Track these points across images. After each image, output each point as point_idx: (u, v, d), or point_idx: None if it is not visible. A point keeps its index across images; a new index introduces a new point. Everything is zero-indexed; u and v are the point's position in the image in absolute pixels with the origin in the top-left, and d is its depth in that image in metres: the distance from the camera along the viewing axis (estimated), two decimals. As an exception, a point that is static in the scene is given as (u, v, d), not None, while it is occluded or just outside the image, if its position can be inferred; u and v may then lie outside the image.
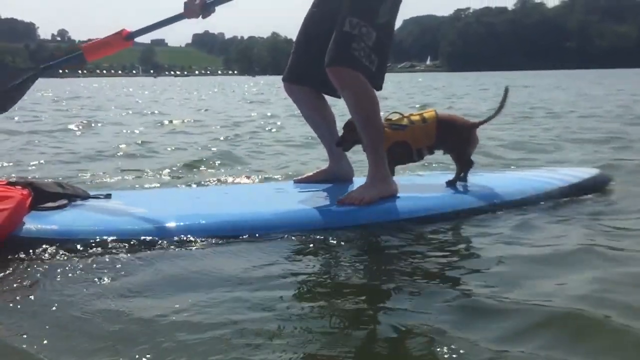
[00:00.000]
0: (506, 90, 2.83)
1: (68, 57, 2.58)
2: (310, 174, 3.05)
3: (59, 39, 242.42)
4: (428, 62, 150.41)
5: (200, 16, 2.61)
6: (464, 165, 2.77)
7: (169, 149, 5.55)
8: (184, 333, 1.51)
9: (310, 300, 1.77)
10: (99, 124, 8.51)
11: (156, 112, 11.68)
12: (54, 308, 1.69)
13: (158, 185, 3.58)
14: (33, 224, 2.17)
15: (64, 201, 2.41)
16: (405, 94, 18.19)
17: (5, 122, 8.36)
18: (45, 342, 1.48)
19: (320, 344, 1.47)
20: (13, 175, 2.97)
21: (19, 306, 1.71)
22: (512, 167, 3.92)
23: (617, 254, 2.09)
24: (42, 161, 4.63)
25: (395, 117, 2.79)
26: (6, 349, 1.45)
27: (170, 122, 8.73)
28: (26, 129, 7.58)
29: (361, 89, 2.52)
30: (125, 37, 2.55)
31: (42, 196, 2.35)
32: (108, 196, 2.63)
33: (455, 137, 2.72)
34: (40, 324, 1.59)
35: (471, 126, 2.74)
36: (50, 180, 2.66)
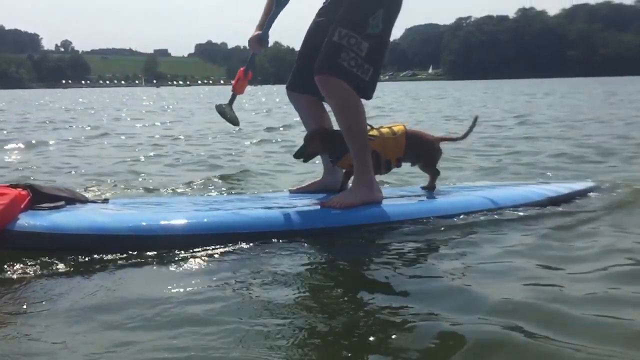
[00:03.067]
0: (475, 119, 3.05)
1: (232, 98, 3.09)
2: (305, 184, 3.11)
3: (62, 49, 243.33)
4: (430, 71, 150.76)
5: (263, 48, 2.94)
6: (435, 172, 2.94)
7: (180, 159, 5.63)
8: (170, 332, 1.55)
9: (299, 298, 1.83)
10: (111, 135, 8.61)
11: (166, 122, 11.68)
12: (36, 301, 1.79)
13: (164, 194, 3.68)
14: (26, 220, 2.27)
15: (61, 202, 2.51)
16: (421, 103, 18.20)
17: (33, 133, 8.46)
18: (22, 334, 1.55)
19: (310, 344, 1.50)
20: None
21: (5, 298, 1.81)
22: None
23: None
24: (62, 171, 4.78)
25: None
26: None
27: (180, 135, 8.66)
28: (53, 138, 7.77)
29: (346, 98, 2.57)
30: (244, 75, 3.01)
31: (40, 197, 2.46)
32: (105, 201, 2.77)
33: (423, 150, 2.86)
34: (20, 316, 1.68)
35: (436, 140, 2.90)
36: (50, 184, 2.77)
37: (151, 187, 3.88)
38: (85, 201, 2.67)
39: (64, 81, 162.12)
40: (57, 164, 5.29)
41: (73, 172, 4.73)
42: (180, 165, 5.18)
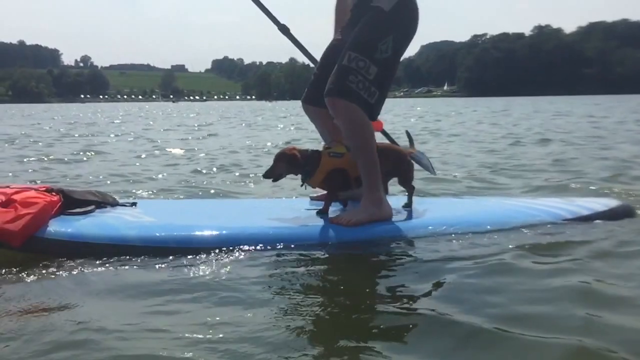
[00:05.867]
0: (408, 136, 3.02)
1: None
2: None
3: (81, 64, 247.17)
4: (445, 88, 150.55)
5: None
6: (412, 187, 2.91)
7: (215, 167, 5.81)
8: (175, 341, 1.59)
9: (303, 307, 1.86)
10: (162, 148, 8.62)
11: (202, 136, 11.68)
12: (59, 307, 1.87)
13: (192, 196, 3.85)
14: (54, 227, 2.40)
15: (91, 207, 2.64)
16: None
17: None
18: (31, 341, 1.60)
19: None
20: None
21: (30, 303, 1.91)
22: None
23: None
24: (112, 178, 4.96)
25: (334, 145, 2.85)
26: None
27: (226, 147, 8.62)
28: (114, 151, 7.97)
29: (354, 119, 2.64)
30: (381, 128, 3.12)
31: (71, 202, 2.59)
32: (134, 204, 2.86)
33: (397, 164, 2.84)
34: (37, 323, 1.73)
35: (407, 153, 2.89)
36: (83, 188, 2.90)
37: (182, 190, 4.06)
38: (115, 204, 2.80)
39: (82, 96, 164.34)
40: (108, 171, 5.53)
41: (111, 181, 4.91)
42: (226, 172, 5.38)
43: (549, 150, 7.28)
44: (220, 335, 1.61)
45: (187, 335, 1.63)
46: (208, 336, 1.62)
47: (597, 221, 2.80)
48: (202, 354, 1.51)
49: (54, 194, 2.54)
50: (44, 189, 2.57)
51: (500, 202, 3.19)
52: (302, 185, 2.83)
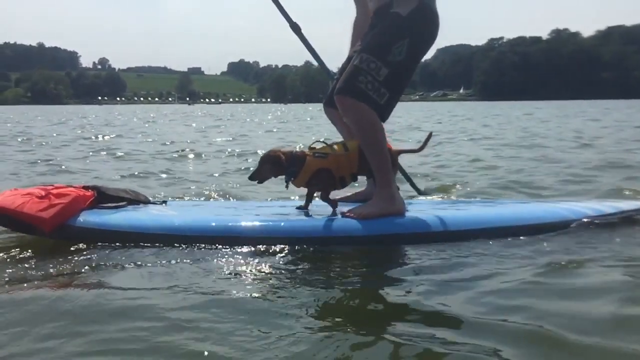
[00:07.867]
0: (429, 135, 3.00)
1: None
2: (349, 194, 3.22)
3: (99, 67, 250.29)
4: (461, 91, 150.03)
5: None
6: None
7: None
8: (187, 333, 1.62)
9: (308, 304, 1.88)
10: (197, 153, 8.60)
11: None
12: (83, 288, 2.00)
13: (220, 198, 3.92)
14: (84, 217, 2.57)
15: (123, 203, 2.77)
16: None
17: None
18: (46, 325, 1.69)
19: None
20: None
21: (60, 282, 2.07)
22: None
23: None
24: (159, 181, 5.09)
25: (319, 146, 2.89)
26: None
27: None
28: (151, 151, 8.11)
29: (362, 118, 2.70)
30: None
31: (104, 198, 2.75)
32: (164, 202, 2.98)
33: None
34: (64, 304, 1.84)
35: (394, 153, 2.88)
36: (117, 187, 3.01)
37: (213, 192, 4.15)
38: (147, 202, 2.92)
39: (99, 97, 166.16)
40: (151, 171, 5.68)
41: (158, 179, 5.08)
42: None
43: (586, 154, 7.11)
44: (226, 324, 1.66)
45: (189, 323, 1.67)
46: (215, 325, 1.66)
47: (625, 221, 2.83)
48: (206, 339, 1.56)
49: (89, 190, 2.71)
50: (81, 186, 2.75)
51: (530, 204, 3.17)
52: (285, 186, 2.85)
